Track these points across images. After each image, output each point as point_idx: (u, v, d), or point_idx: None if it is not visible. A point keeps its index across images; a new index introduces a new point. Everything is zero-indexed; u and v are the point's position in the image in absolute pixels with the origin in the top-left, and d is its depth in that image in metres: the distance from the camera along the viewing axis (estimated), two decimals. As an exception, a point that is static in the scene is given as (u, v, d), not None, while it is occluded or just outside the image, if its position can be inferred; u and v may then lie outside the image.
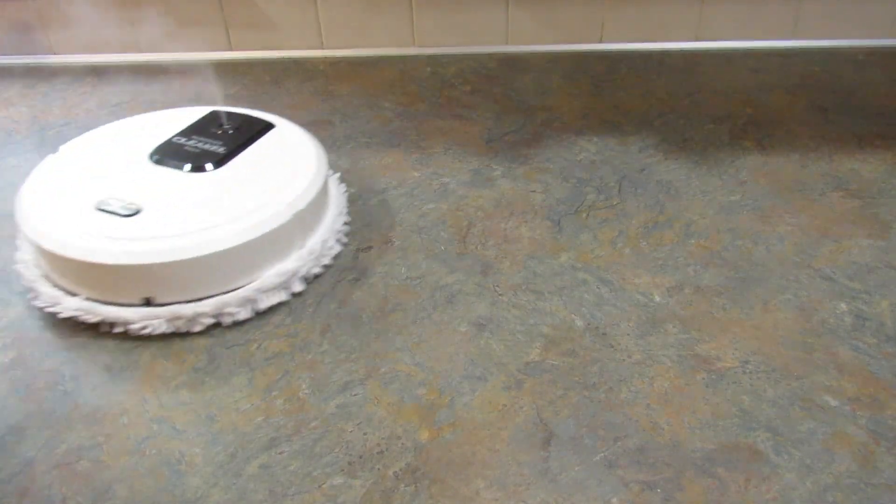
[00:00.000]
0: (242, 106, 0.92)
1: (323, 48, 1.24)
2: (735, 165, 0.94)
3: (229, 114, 0.88)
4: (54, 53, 1.25)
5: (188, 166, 0.80)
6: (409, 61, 1.20)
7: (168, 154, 0.82)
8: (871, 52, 1.17)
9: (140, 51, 1.25)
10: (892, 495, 0.58)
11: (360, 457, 0.62)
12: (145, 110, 1.11)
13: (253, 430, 0.65)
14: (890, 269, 0.78)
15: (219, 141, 0.84)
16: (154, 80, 1.19)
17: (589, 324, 0.73)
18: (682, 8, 1.17)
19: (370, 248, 0.84)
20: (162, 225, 0.73)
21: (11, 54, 1.26)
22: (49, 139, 1.05)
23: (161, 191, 0.78)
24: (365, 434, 0.64)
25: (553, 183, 0.92)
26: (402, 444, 0.63)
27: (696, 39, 1.21)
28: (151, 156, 0.82)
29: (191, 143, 0.83)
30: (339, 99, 1.11)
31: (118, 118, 1.08)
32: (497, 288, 0.78)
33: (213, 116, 0.88)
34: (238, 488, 0.60)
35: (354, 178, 0.95)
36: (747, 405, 0.65)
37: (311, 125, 1.05)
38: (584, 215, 0.87)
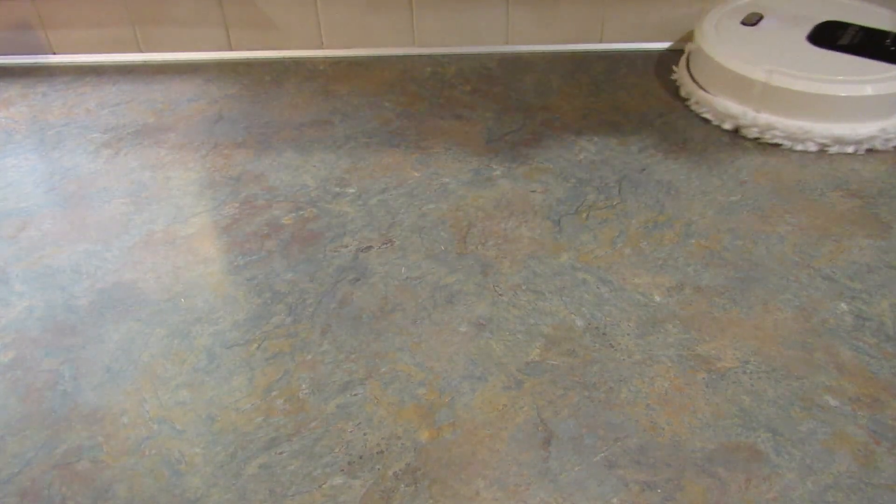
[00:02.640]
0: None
1: (323, 48, 1.24)
2: (735, 165, 0.94)
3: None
4: (54, 53, 1.25)
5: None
6: (409, 61, 1.20)
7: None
8: (871, 52, 1.16)
9: (140, 51, 1.25)
10: (892, 495, 0.58)
11: (360, 457, 0.62)
12: (145, 110, 1.11)
13: (253, 430, 0.65)
14: (890, 269, 0.78)
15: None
16: (154, 80, 1.19)
17: (589, 324, 0.73)
18: (682, 8, 1.17)
19: (370, 248, 0.84)
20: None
21: (11, 54, 1.26)
22: (49, 139, 1.05)
23: None
24: (365, 434, 0.64)
25: (553, 183, 0.92)
26: (402, 444, 0.63)
27: (696, 39, 1.21)
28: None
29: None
30: (339, 99, 1.11)
31: (118, 118, 1.09)
32: (497, 288, 0.78)
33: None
34: (238, 488, 0.60)
35: (354, 177, 0.95)
36: (747, 405, 0.65)
37: (310, 125, 1.05)
38: (584, 215, 0.87)
